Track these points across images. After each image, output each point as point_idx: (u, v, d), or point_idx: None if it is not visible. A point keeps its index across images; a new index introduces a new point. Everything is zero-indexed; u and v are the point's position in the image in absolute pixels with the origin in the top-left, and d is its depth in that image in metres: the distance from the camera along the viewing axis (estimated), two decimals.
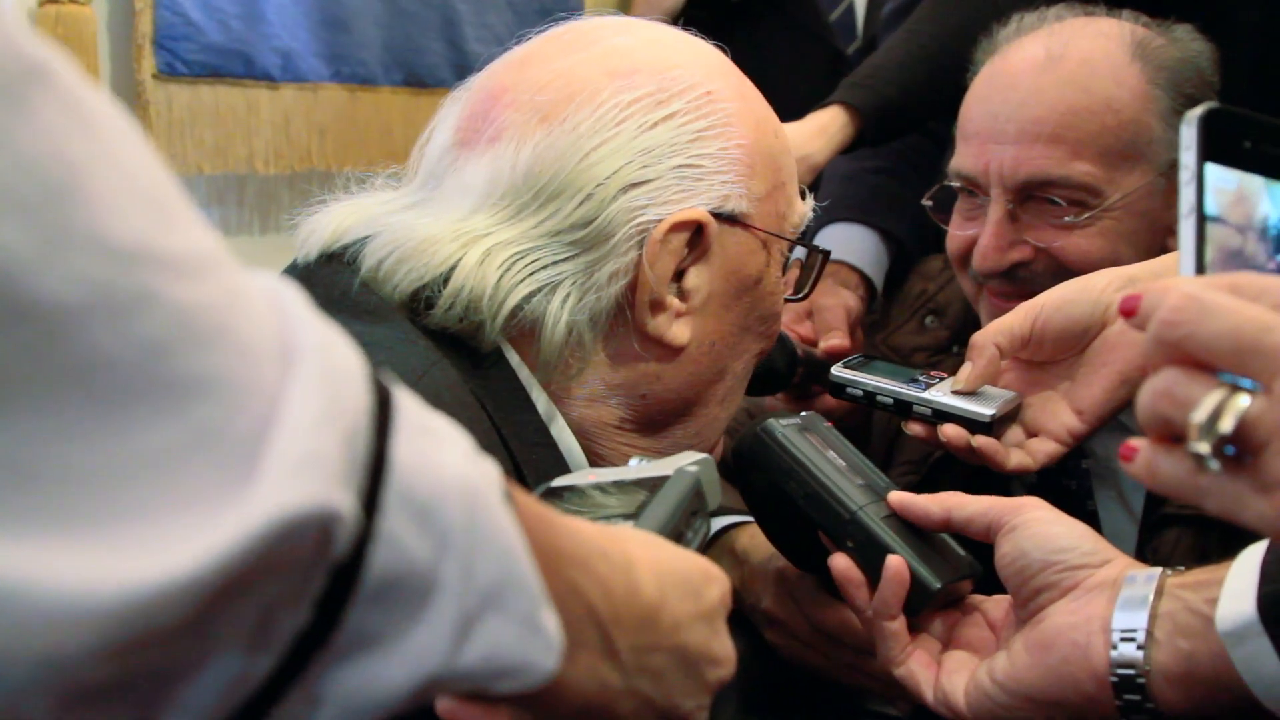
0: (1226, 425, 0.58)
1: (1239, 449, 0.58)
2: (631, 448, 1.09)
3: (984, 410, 1.17)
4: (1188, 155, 0.65)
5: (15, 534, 0.42)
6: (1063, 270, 1.37)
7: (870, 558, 1.03)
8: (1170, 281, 0.61)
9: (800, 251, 1.19)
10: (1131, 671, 0.89)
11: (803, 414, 1.14)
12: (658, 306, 1.05)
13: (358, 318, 1.00)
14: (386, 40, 2.73)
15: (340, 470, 0.48)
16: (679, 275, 1.05)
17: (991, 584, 1.03)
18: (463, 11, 2.83)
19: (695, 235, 1.04)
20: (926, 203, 1.52)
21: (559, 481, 0.88)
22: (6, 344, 0.41)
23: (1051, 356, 1.19)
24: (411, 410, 0.54)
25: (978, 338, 1.20)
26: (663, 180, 1.03)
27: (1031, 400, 1.21)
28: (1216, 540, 1.27)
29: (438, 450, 0.54)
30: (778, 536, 1.18)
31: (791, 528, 1.12)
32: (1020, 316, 1.18)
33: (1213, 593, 0.86)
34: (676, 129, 1.04)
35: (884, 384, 1.23)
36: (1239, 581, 0.84)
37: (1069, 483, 1.45)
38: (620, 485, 0.85)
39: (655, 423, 1.10)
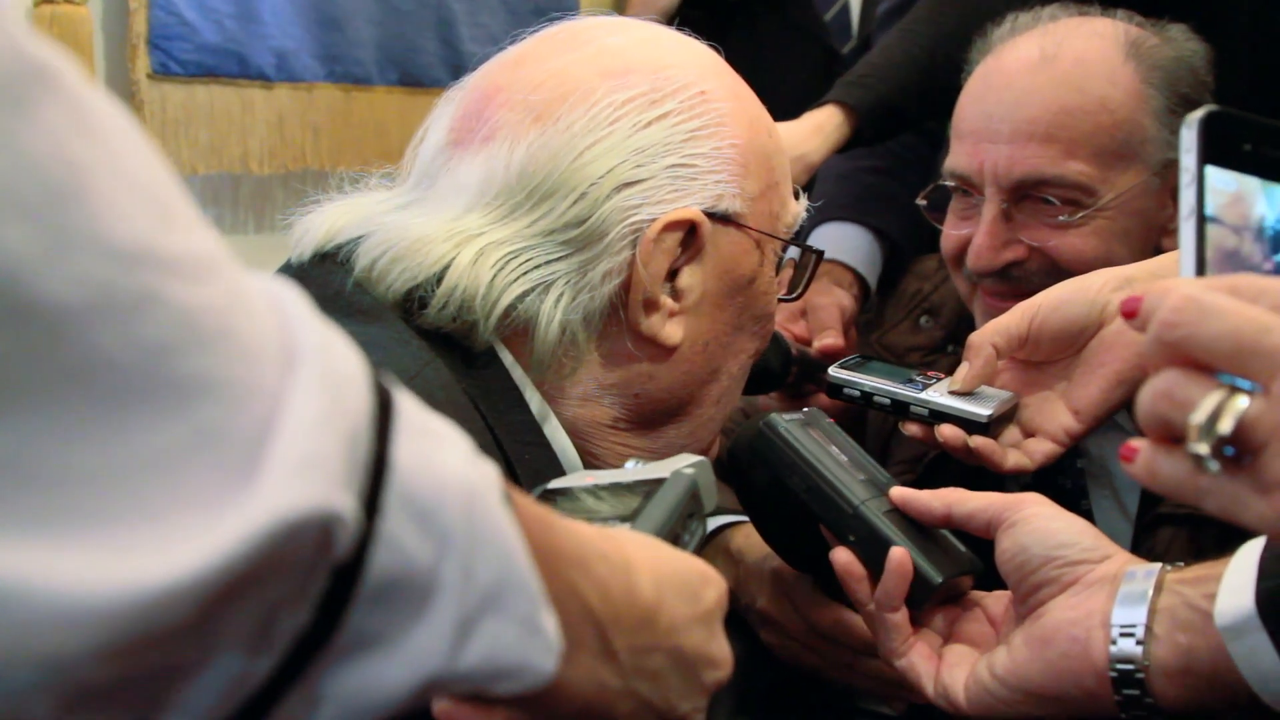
0: (1226, 426, 0.58)
1: (1238, 450, 0.58)
2: (625, 447, 1.09)
3: (981, 411, 1.17)
4: (1188, 158, 0.65)
5: (17, 535, 0.42)
6: (1057, 269, 1.37)
7: (872, 552, 1.03)
8: (1170, 283, 0.61)
9: (794, 251, 1.19)
10: (1131, 666, 0.89)
11: (805, 409, 1.14)
12: (651, 306, 1.05)
13: (351, 317, 1.00)
14: (381, 40, 2.72)
15: (341, 471, 0.48)
16: (672, 275, 1.05)
17: (991, 580, 1.03)
18: (457, 11, 2.83)
19: (689, 235, 1.04)
20: (921, 202, 1.52)
21: (555, 484, 0.88)
22: (8, 344, 0.41)
23: (1048, 357, 1.19)
24: (412, 412, 0.54)
25: (974, 338, 1.20)
26: (656, 180, 1.03)
27: (1028, 400, 1.21)
28: (1211, 539, 1.27)
29: (438, 452, 0.54)
30: (774, 535, 1.18)
31: (791, 524, 1.12)
32: (1017, 317, 1.18)
33: (1211, 588, 0.86)
34: (670, 128, 1.04)
35: (881, 384, 1.23)
36: (1237, 577, 0.85)
37: (1064, 482, 1.45)
38: (616, 488, 0.85)
39: (649, 422, 1.10)
